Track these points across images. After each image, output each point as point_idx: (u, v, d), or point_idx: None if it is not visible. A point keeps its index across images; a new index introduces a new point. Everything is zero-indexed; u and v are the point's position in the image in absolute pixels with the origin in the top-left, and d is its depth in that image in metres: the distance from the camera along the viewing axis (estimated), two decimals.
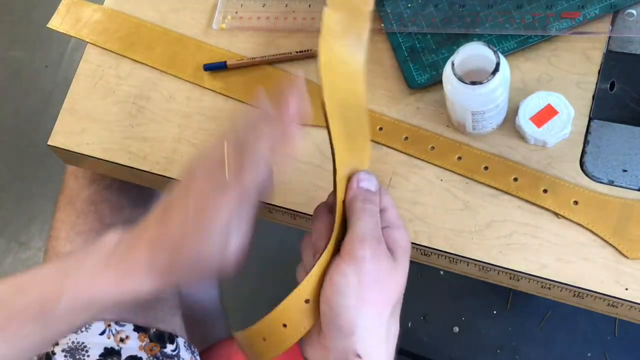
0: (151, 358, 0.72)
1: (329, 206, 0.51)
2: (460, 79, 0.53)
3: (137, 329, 0.72)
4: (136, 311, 0.73)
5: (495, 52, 0.53)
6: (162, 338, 0.74)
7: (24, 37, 1.79)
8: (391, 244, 0.49)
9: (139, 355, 0.71)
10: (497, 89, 0.54)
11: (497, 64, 0.52)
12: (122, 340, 0.71)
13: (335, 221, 0.48)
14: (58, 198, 0.80)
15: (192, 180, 0.48)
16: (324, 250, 0.47)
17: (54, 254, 0.77)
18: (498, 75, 0.52)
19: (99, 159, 0.70)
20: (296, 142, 0.49)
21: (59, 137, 0.72)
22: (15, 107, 1.72)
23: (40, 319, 0.49)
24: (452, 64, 0.53)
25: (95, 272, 0.49)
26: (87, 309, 0.49)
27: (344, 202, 0.49)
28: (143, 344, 0.72)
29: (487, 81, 0.52)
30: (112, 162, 0.70)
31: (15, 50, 1.79)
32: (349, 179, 0.50)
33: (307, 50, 0.68)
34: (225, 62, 0.69)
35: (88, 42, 0.76)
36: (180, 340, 0.76)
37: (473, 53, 0.54)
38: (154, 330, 0.73)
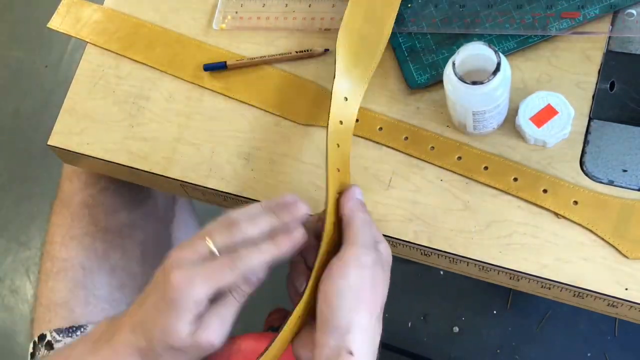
0: None
1: (314, 232, 0.54)
2: (461, 79, 0.53)
3: None
4: None
5: (496, 52, 0.53)
6: None
7: (24, 37, 1.79)
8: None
9: None
10: (498, 88, 0.54)
11: (498, 64, 0.52)
12: None
13: (323, 239, 0.52)
14: (53, 202, 0.80)
15: (173, 273, 0.49)
16: (314, 262, 0.52)
17: (48, 259, 0.76)
18: (499, 75, 0.52)
19: (98, 158, 0.70)
20: (295, 243, 0.51)
21: (58, 137, 0.72)
22: (15, 107, 1.72)
23: None
24: (453, 64, 0.53)
25: (82, 358, 0.52)
26: None
27: (337, 213, 0.54)
28: None
29: (488, 81, 0.52)
30: (112, 162, 0.70)
31: (15, 50, 1.79)
32: (340, 193, 0.55)
33: (307, 50, 0.68)
34: (225, 62, 0.69)
35: (88, 42, 0.76)
36: None
37: (474, 53, 0.54)
38: None
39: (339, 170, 0.56)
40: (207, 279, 0.48)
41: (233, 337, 0.86)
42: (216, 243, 0.50)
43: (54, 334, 0.70)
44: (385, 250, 0.53)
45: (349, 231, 0.52)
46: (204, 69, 0.70)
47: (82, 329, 0.69)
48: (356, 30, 0.64)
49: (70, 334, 0.69)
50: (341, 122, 0.59)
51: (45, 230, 0.81)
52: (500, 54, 0.53)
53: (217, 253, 0.50)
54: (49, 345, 0.69)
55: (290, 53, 0.68)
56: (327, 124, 0.57)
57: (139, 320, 0.51)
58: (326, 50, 0.67)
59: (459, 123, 0.60)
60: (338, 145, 0.58)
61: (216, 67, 0.69)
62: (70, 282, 0.74)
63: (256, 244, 0.50)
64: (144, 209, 0.81)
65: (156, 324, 0.49)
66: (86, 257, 0.75)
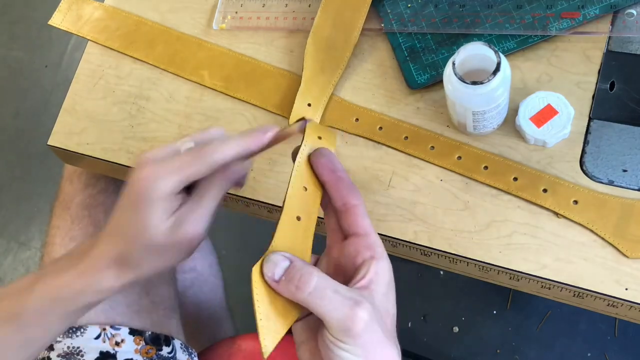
0: None
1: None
2: (461, 79, 0.53)
3: (133, 332, 0.72)
4: (131, 316, 0.73)
5: (496, 52, 0.53)
6: (157, 341, 0.73)
7: (24, 37, 1.79)
8: (378, 279, 0.45)
9: (134, 358, 0.70)
10: (498, 88, 0.54)
11: (498, 64, 0.52)
12: (117, 344, 0.70)
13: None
14: (53, 204, 0.80)
15: (139, 170, 0.48)
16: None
17: (49, 260, 0.77)
18: (499, 75, 0.52)
19: (98, 159, 0.70)
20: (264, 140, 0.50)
21: (58, 137, 0.72)
22: (15, 107, 1.72)
23: (13, 321, 0.51)
24: (453, 64, 0.53)
25: (60, 270, 0.51)
26: (55, 306, 0.50)
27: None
28: (139, 347, 0.71)
29: (488, 81, 0.52)
30: (112, 162, 0.70)
31: (15, 50, 1.79)
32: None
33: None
34: None
35: (89, 40, 0.76)
36: (177, 342, 0.76)
37: (474, 53, 0.54)
38: (150, 333, 0.73)
39: (305, 189, 0.50)
40: (173, 169, 0.47)
41: (233, 337, 0.86)
42: (185, 144, 0.49)
43: None
44: (382, 269, 0.47)
45: (314, 312, 0.42)
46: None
47: (81, 330, 0.69)
48: (325, 37, 0.66)
49: (70, 335, 0.69)
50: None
51: (45, 230, 0.81)
52: (500, 54, 0.53)
53: (184, 148, 0.49)
54: (49, 347, 0.69)
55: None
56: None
57: (113, 227, 0.50)
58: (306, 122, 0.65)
59: (459, 123, 0.60)
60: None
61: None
62: None
63: (224, 140, 0.49)
64: None
65: (130, 225, 0.48)
66: None
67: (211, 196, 0.49)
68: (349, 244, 0.47)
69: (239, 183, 0.53)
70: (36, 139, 1.63)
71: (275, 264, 0.44)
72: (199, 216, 0.48)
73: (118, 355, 0.70)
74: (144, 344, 0.72)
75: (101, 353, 0.69)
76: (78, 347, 0.69)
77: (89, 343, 0.69)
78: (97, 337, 0.70)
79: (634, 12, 0.60)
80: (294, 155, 0.50)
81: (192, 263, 0.98)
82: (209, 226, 0.49)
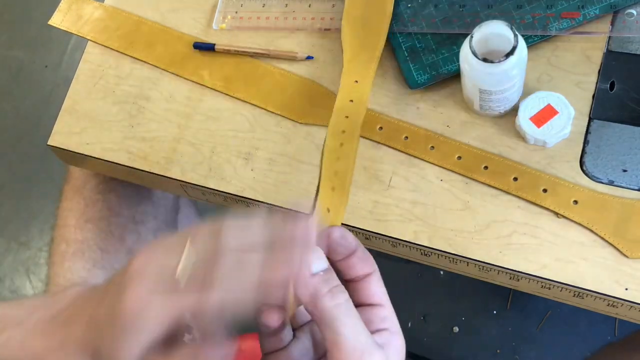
0: None
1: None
2: (475, 54, 0.53)
3: None
4: None
5: (515, 35, 0.53)
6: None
7: (24, 37, 1.79)
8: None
9: None
10: (509, 71, 0.54)
11: (514, 48, 0.52)
12: None
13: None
14: (63, 188, 0.80)
15: (140, 270, 0.39)
16: None
17: (62, 241, 0.77)
18: (512, 58, 0.52)
19: (98, 159, 0.70)
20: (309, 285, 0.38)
21: (59, 137, 0.72)
22: (15, 107, 1.72)
23: None
24: (471, 37, 0.53)
25: (29, 334, 0.44)
26: None
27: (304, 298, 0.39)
28: None
29: (499, 62, 0.52)
30: (112, 162, 0.70)
31: (15, 50, 1.78)
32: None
33: (293, 52, 0.68)
34: (214, 44, 0.70)
35: (89, 40, 0.76)
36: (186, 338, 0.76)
37: (495, 31, 0.54)
38: None
39: (333, 190, 0.46)
40: (169, 304, 0.37)
41: (233, 337, 0.86)
42: (197, 251, 0.38)
43: None
44: (398, 348, 0.40)
45: (323, 334, 0.37)
46: (194, 47, 0.71)
47: None
48: (358, 16, 0.65)
49: None
50: (351, 101, 0.57)
51: (47, 229, 0.81)
52: (519, 38, 0.53)
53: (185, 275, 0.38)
54: None
55: (276, 51, 0.69)
56: (333, 110, 0.51)
57: (94, 323, 0.42)
58: (309, 57, 0.68)
59: (467, 99, 0.60)
60: (341, 145, 0.52)
61: (205, 47, 0.71)
62: (88, 262, 0.74)
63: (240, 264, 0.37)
64: (154, 197, 0.82)
65: (105, 341, 0.40)
66: (103, 239, 0.76)
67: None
68: (361, 314, 0.39)
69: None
70: (36, 139, 1.63)
71: (317, 257, 0.38)
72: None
73: None
74: None
75: None
76: None
77: None
78: None
79: (634, 12, 0.60)
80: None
81: None
82: None
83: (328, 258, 0.41)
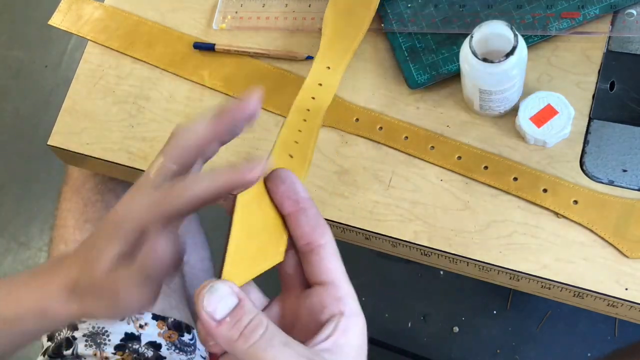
0: (170, 345, 0.73)
1: None
2: (474, 54, 0.53)
3: (156, 317, 0.73)
4: None
5: (515, 35, 0.53)
6: (179, 327, 0.75)
7: (24, 37, 1.79)
8: (347, 342, 0.36)
9: (158, 341, 0.72)
10: (509, 71, 0.54)
11: (514, 48, 0.52)
12: (141, 326, 0.72)
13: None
14: (62, 189, 0.80)
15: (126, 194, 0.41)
16: None
17: (62, 242, 0.77)
18: (512, 58, 0.52)
19: (98, 159, 0.70)
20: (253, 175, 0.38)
21: (58, 137, 0.72)
22: (15, 107, 1.72)
23: None
24: (471, 37, 0.53)
25: (15, 287, 0.44)
26: None
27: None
28: (162, 331, 0.73)
29: (499, 62, 0.52)
30: (112, 162, 0.70)
31: (15, 50, 1.79)
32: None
33: (292, 52, 0.68)
34: (214, 44, 0.70)
35: (89, 40, 0.76)
36: (196, 332, 0.77)
37: (495, 31, 0.54)
38: (172, 319, 0.75)
39: (291, 157, 0.43)
40: (144, 206, 0.39)
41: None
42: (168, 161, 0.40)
43: None
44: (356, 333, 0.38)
45: (321, 273, 0.37)
46: (194, 47, 0.71)
47: None
48: (343, 6, 0.65)
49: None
50: (320, 84, 0.56)
51: (46, 229, 0.81)
52: (519, 39, 0.53)
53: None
54: (73, 326, 0.70)
55: (276, 51, 0.69)
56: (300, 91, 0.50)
57: (79, 246, 0.43)
58: (309, 57, 0.68)
59: (468, 99, 0.60)
60: (304, 120, 0.48)
61: (205, 47, 0.71)
62: None
63: (201, 175, 0.40)
64: None
65: (87, 249, 0.41)
66: None
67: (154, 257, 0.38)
68: (313, 294, 0.38)
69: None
70: (36, 139, 1.63)
71: (220, 298, 0.34)
72: (136, 281, 0.38)
73: (142, 337, 0.71)
74: (166, 328, 0.73)
75: (126, 334, 0.70)
76: (103, 328, 0.70)
77: (114, 324, 0.70)
78: (122, 319, 0.71)
79: (634, 12, 0.60)
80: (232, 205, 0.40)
81: (185, 257, 0.98)
82: (154, 297, 0.40)
83: (282, 214, 0.39)
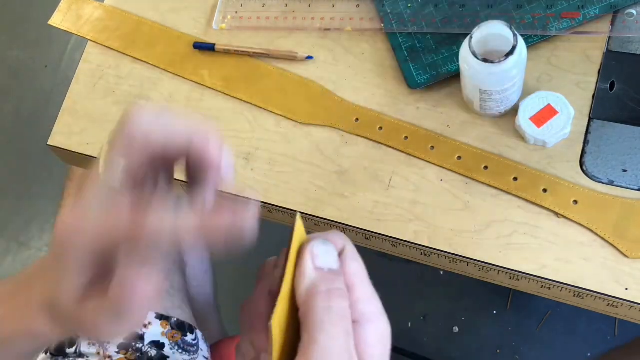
0: (173, 344, 0.73)
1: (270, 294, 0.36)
2: (474, 54, 0.53)
3: (159, 316, 0.73)
4: None
5: (515, 35, 0.53)
6: (182, 327, 0.75)
7: (24, 37, 1.79)
8: (362, 352, 0.33)
9: (161, 340, 0.72)
10: (509, 71, 0.54)
11: (513, 48, 0.52)
12: (144, 325, 0.72)
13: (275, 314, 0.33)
14: (66, 185, 0.80)
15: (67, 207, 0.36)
16: None
17: None
18: (511, 58, 0.52)
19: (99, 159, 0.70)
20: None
21: (59, 137, 0.72)
22: (15, 107, 1.72)
23: None
24: (470, 37, 0.53)
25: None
26: None
27: (293, 293, 0.34)
28: (165, 330, 0.73)
29: (499, 62, 0.52)
30: None
31: (15, 50, 1.79)
32: (298, 254, 0.35)
33: (293, 53, 0.68)
34: (214, 44, 0.70)
35: (89, 40, 0.76)
36: (199, 333, 0.77)
37: (494, 32, 0.54)
38: (175, 319, 0.75)
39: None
40: (100, 228, 0.33)
41: (233, 336, 0.87)
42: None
43: None
44: (377, 335, 0.35)
45: (306, 328, 0.33)
46: (194, 47, 0.71)
47: None
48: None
49: None
50: None
51: (47, 229, 0.81)
52: (519, 38, 0.53)
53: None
54: None
55: (276, 51, 0.69)
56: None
57: (44, 264, 0.39)
58: (309, 57, 0.68)
59: (468, 99, 0.60)
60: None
61: (205, 47, 0.71)
62: None
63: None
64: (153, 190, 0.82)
65: (51, 273, 0.37)
66: None
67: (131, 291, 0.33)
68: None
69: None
70: (36, 139, 1.63)
71: (327, 252, 0.34)
72: (108, 316, 0.34)
73: (146, 336, 0.71)
74: (170, 328, 0.74)
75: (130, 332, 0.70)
76: None
77: None
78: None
79: (634, 12, 0.60)
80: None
81: (185, 257, 0.98)
82: (136, 326, 0.36)
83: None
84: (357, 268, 0.35)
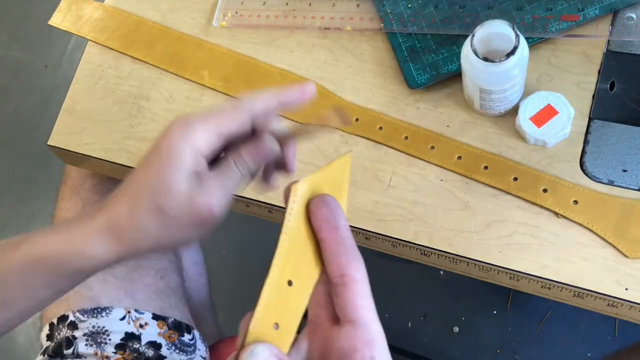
0: (170, 344, 0.73)
1: None
2: (475, 53, 0.53)
3: (156, 317, 0.73)
4: (149, 296, 0.74)
5: (517, 35, 0.53)
6: (179, 327, 0.75)
7: (24, 37, 1.79)
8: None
9: (158, 341, 0.72)
10: (510, 71, 0.54)
11: (515, 48, 0.52)
12: (141, 326, 0.72)
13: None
14: (60, 189, 0.80)
15: (170, 125, 0.43)
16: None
17: None
18: (513, 58, 0.52)
19: (98, 159, 0.70)
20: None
21: (59, 137, 0.72)
22: (15, 107, 1.72)
23: None
24: (473, 36, 0.53)
25: (51, 232, 0.45)
26: (38, 268, 0.44)
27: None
28: (162, 331, 0.73)
29: (500, 61, 0.52)
30: (112, 162, 0.70)
31: (15, 50, 1.79)
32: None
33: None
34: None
35: (89, 40, 0.76)
36: (196, 333, 0.77)
37: (496, 31, 0.54)
38: (172, 319, 0.75)
39: (300, 247, 0.38)
40: (206, 121, 0.42)
41: (232, 337, 0.86)
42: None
43: (78, 314, 0.70)
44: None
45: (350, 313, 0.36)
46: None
47: (107, 311, 0.70)
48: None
49: (95, 315, 0.70)
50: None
51: (49, 224, 0.81)
52: (521, 39, 0.53)
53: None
54: (73, 326, 0.70)
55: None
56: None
57: (125, 185, 0.43)
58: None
59: (468, 97, 0.60)
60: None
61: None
62: None
63: (261, 91, 0.45)
64: None
65: (147, 180, 0.42)
66: None
67: (238, 174, 0.43)
68: (343, 335, 0.36)
69: (283, 166, 0.47)
70: (36, 139, 1.63)
71: None
72: (224, 189, 0.42)
73: (142, 337, 0.71)
74: (166, 328, 0.74)
75: (126, 334, 0.71)
76: (104, 327, 0.70)
77: (114, 324, 0.71)
78: (122, 319, 0.71)
79: (634, 15, 0.60)
80: (287, 195, 0.39)
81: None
82: (228, 207, 0.43)
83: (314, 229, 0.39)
84: (370, 303, 0.37)
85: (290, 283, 0.36)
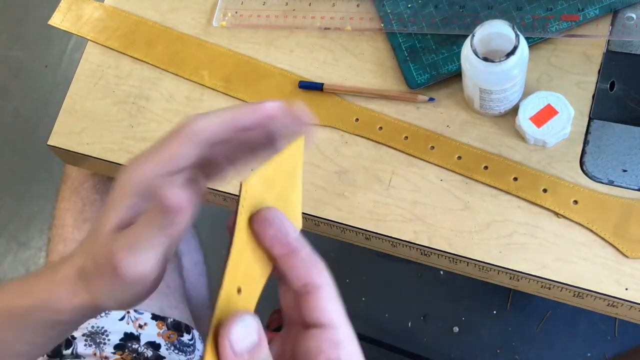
0: (169, 345, 0.73)
1: None
2: (475, 53, 0.53)
3: (155, 317, 0.74)
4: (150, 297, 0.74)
5: (517, 35, 0.53)
6: (179, 327, 0.75)
7: (24, 37, 1.79)
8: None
9: (157, 341, 0.72)
10: (510, 71, 0.54)
11: (515, 48, 0.52)
12: (140, 326, 0.72)
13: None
14: (60, 188, 0.80)
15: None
16: None
17: (60, 241, 0.77)
18: (513, 58, 0.52)
19: (98, 159, 0.70)
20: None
21: (58, 137, 0.72)
22: (15, 107, 1.72)
23: None
24: (473, 36, 0.53)
25: (21, 282, 0.43)
26: (9, 320, 0.42)
27: None
28: (161, 331, 0.73)
29: (500, 61, 0.52)
30: (112, 162, 0.70)
31: (15, 50, 1.79)
32: (216, 335, 0.33)
33: (412, 93, 0.68)
34: (322, 84, 0.66)
35: (89, 40, 0.76)
36: (195, 332, 0.77)
37: (495, 31, 0.54)
38: (171, 319, 0.75)
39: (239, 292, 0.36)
40: (147, 156, 0.37)
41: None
42: None
43: None
44: None
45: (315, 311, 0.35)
46: (299, 86, 0.67)
47: (106, 311, 0.70)
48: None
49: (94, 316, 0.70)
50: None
51: (46, 229, 0.81)
52: (521, 39, 0.53)
53: None
54: None
55: (395, 95, 0.64)
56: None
57: (87, 244, 0.40)
58: (431, 99, 0.63)
59: (468, 97, 0.60)
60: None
61: (312, 87, 0.66)
62: None
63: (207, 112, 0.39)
64: None
65: (94, 226, 0.39)
66: None
67: (155, 223, 0.36)
68: (310, 337, 0.35)
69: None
70: (36, 139, 1.63)
71: (246, 332, 0.33)
72: (138, 247, 0.36)
73: (142, 337, 0.71)
74: (166, 329, 0.74)
75: (125, 334, 0.71)
76: (103, 327, 0.70)
77: (114, 324, 0.71)
78: (122, 319, 0.71)
79: (634, 15, 0.60)
80: (231, 227, 0.36)
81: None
82: (161, 269, 0.39)
83: (271, 253, 0.37)
84: (336, 306, 0.36)
85: (239, 290, 0.35)
